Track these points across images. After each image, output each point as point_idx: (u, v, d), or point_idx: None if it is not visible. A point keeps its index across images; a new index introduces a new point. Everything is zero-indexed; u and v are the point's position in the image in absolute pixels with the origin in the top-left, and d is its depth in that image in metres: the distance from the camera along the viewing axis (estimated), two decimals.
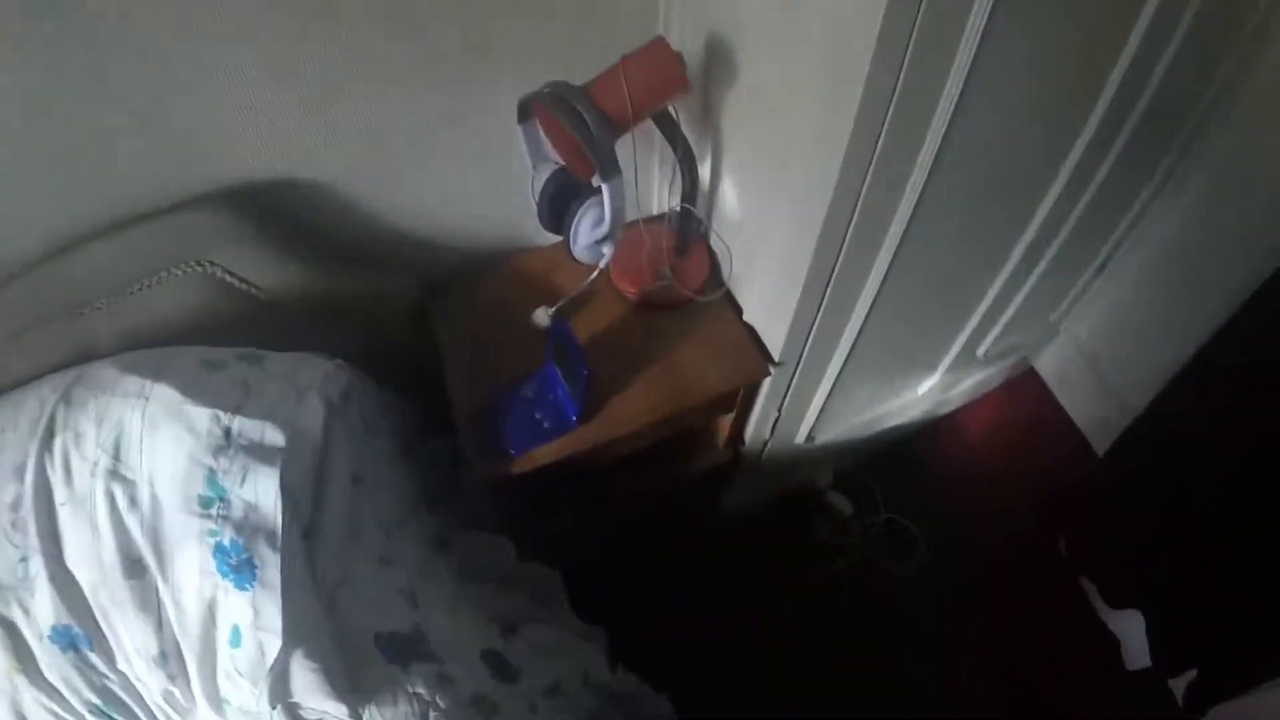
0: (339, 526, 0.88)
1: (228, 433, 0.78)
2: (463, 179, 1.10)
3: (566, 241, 0.99)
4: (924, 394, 1.50)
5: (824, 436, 1.37)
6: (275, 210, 1.00)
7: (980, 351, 1.49)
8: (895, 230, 0.96)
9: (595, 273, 1.04)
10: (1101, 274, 1.49)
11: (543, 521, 1.23)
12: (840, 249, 0.94)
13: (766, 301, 1.08)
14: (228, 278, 0.94)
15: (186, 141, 0.89)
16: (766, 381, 1.13)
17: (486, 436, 1.00)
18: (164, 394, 0.78)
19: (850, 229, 0.91)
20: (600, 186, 0.89)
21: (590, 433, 1.01)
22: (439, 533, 1.12)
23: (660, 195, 1.26)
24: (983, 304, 1.33)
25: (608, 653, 1.19)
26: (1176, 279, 1.41)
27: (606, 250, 1.00)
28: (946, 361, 1.44)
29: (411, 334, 1.19)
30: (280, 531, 0.76)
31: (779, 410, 1.21)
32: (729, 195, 1.09)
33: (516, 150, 0.97)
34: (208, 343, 0.91)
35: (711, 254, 1.19)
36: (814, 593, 1.50)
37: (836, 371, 1.19)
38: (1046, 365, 1.73)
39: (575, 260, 1.01)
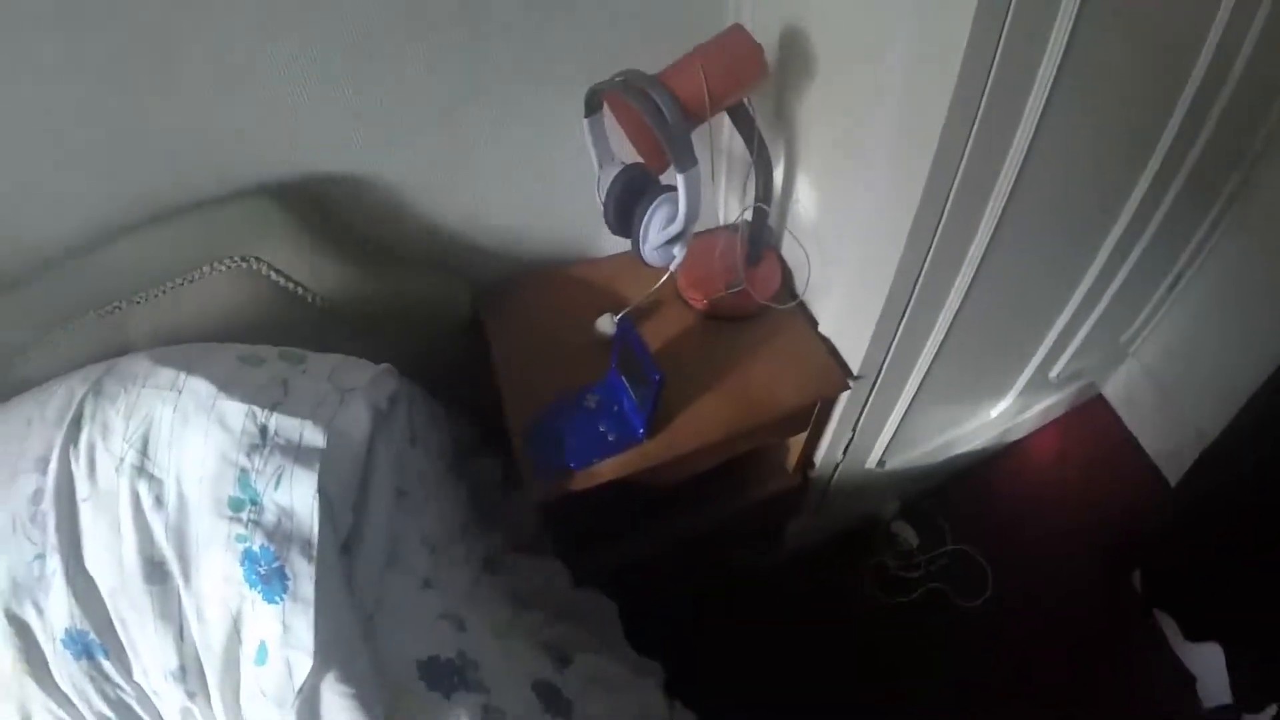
0: (380, 542, 0.79)
1: (264, 431, 0.70)
2: (523, 182, 1.03)
3: (635, 242, 0.91)
4: (995, 418, 1.39)
5: (894, 462, 1.27)
6: (324, 208, 0.93)
7: (1053, 374, 1.39)
8: (981, 238, 0.88)
9: (665, 275, 0.95)
10: (1171, 295, 1.39)
11: (599, 547, 1.12)
12: (926, 255, 0.86)
13: (845, 312, 0.99)
14: (271, 274, 0.87)
15: (237, 136, 0.83)
16: (843, 398, 1.03)
17: (544, 450, 0.90)
18: (198, 387, 0.71)
19: (937, 234, 0.83)
20: (676, 179, 0.82)
21: (657, 448, 0.91)
22: (488, 555, 1.02)
23: (726, 204, 1.18)
24: (1060, 322, 1.24)
25: (665, 689, 1.08)
26: (1248, 302, 1.32)
27: (678, 251, 0.92)
28: (1020, 383, 1.34)
29: (463, 345, 1.11)
30: (316, 541, 0.68)
31: (853, 431, 1.11)
32: (805, 198, 1.00)
33: (583, 147, 0.90)
34: (249, 342, 0.83)
35: (783, 262, 1.10)
36: (879, 628, 1.37)
37: (914, 389, 1.09)
38: (1115, 391, 1.61)
39: (644, 264, 0.93)
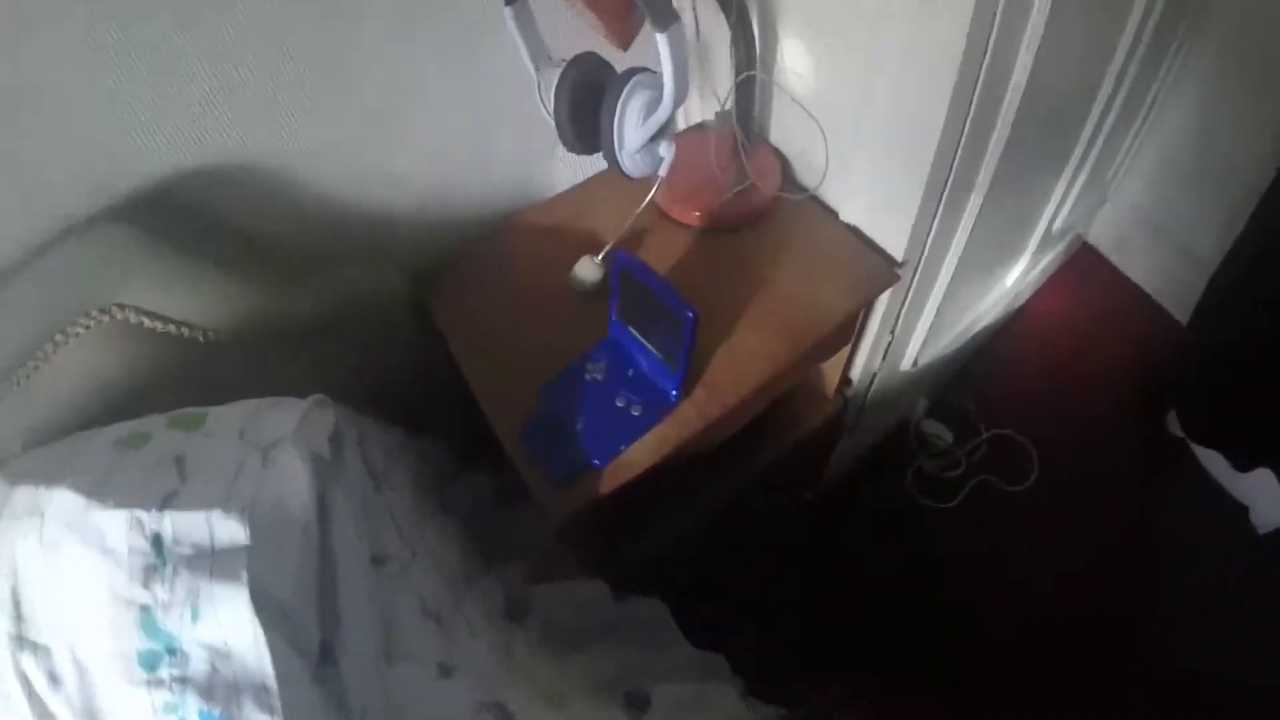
0: (368, 637, 0.56)
1: (157, 542, 0.46)
2: (437, 129, 0.76)
3: (608, 151, 0.66)
4: (1010, 285, 1.23)
5: (926, 357, 1.09)
6: (195, 220, 0.66)
7: (1055, 227, 1.23)
8: (1017, 81, 0.69)
9: (655, 188, 0.71)
10: (1144, 127, 1.26)
11: (629, 545, 0.91)
12: (969, 110, 0.67)
13: (876, 192, 0.77)
14: (144, 321, 0.60)
15: (56, 147, 0.56)
16: (885, 295, 0.83)
17: (551, 453, 0.66)
18: (62, 502, 0.47)
19: (979, 84, 0.65)
20: (658, 44, 0.57)
21: (696, 410, 0.68)
22: (509, 598, 0.80)
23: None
24: (1066, 172, 1.08)
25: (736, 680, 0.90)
26: (1224, 117, 1.20)
27: (666, 151, 0.68)
28: (1034, 243, 1.17)
29: (412, 347, 0.84)
30: (274, 683, 0.45)
31: (893, 330, 0.92)
32: (800, 66, 0.77)
33: (500, 63, 0.66)
34: (140, 413, 0.57)
35: (776, 151, 0.88)
36: (937, 536, 1.22)
37: (953, 267, 0.90)
38: (1102, 238, 1.48)
39: (624, 177, 0.69)
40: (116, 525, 0.45)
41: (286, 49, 0.62)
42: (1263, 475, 1.17)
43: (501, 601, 0.79)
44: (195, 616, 0.44)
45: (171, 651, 0.44)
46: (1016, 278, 1.22)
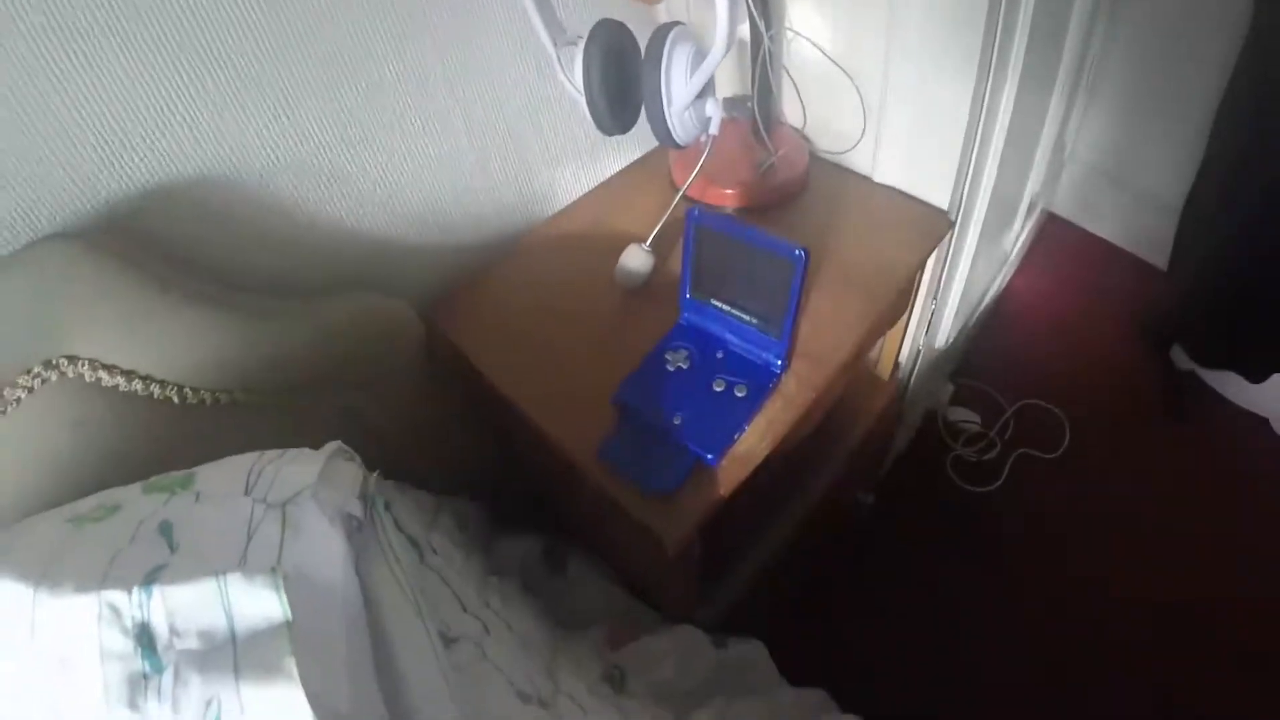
0: None
1: (145, 636, 0.30)
2: (442, 137, 0.67)
3: (656, 116, 0.59)
4: (1009, 251, 1.22)
5: (954, 332, 1.04)
6: (160, 245, 0.53)
7: (1032, 196, 1.24)
8: (1019, 43, 0.69)
9: (708, 149, 0.64)
10: (1088, 83, 1.31)
11: (738, 568, 0.77)
12: (991, 63, 0.65)
13: (913, 149, 0.73)
14: (105, 377, 0.46)
15: None
16: (930, 261, 0.77)
17: (646, 466, 0.54)
18: (2, 597, 0.30)
19: (998, 35, 0.63)
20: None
21: (799, 381, 0.59)
22: (604, 666, 0.65)
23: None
24: (1046, 133, 1.09)
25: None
26: (1162, 60, 1.25)
27: (714, 109, 0.61)
28: (1024, 206, 1.17)
29: (423, 398, 0.72)
30: None
31: (936, 295, 0.86)
32: (813, 30, 0.73)
33: (507, 69, 0.58)
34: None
35: (794, 129, 0.83)
36: (989, 519, 1.13)
37: (980, 225, 0.86)
38: (1066, 205, 1.51)
39: (674, 145, 0.60)
40: (79, 618, 0.30)
41: (271, 53, 0.52)
42: (1278, 383, 1.17)
43: (598, 671, 0.64)
44: None
45: None
46: (1012, 243, 1.21)
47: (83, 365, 0.45)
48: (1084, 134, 1.38)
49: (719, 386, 0.57)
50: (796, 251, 0.50)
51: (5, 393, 0.43)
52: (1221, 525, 1.10)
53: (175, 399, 0.49)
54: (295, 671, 0.29)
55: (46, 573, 0.31)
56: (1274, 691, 0.93)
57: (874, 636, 1.01)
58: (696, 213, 0.55)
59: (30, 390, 0.44)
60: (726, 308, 0.58)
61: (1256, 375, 1.18)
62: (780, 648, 0.77)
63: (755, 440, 0.55)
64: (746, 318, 0.57)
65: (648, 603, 0.75)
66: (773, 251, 0.51)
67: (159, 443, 0.48)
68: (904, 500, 1.14)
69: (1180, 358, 1.26)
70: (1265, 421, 1.21)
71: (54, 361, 0.44)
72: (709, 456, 0.53)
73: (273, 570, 0.32)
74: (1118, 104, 1.33)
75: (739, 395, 0.56)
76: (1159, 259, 1.35)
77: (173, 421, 0.48)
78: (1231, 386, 1.23)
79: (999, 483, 1.16)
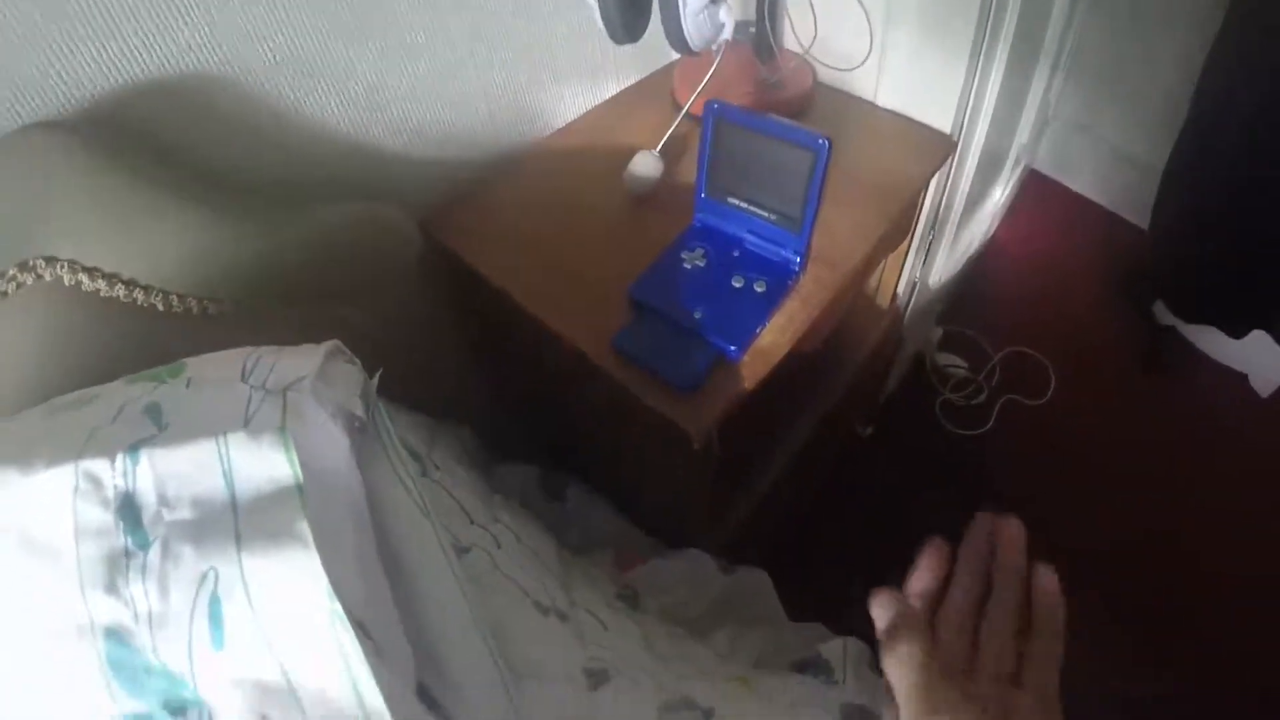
0: (477, 656, 0.38)
1: (129, 507, 0.26)
2: (437, 43, 0.64)
3: (669, 20, 0.58)
4: (997, 199, 1.24)
5: (946, 272, 1.05)
6: (146, 140, 0.50)
7: (1019, 150, 1.26)
8: None
9: (717, 58, 0.63)
10: (1070, 43, 1.34)
11: (735, 495, 0.77)
12: None
13: (916, 70, 0.73)
14: (85, 280, 0.42)
15: None
16: (931, 185, 0.77)
17: (666, 358, 0.53)
18: None
19: None
20: None
21: (816, 281, 0.58)
22: (617, 586, 0.64)
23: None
24: (1034, 88, 1.11)
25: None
26: (1141, 20, 1.27)
27: (727, 15, 0.60)
28: (1012, 156, 1.19)
29: (420, 312, 0.70)
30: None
31: (933, 227, 0.87)
32: None
33: None
34: None
35: (794, 53, 0.82)
36: (981, 462, 1.16)
37: (976, 159, 0.87)
38: (1049, 162, 1.53)
39: (688, 50, 0.59)
40: (52, 493, 0.25)
41: None
42: (1258, 339, 1.20)
43: (612, 589, 0.63)
44: (218, 625, 0.24)
45: (178, 710, 0.24)
46: (999, 194, 1.23)
47: (62, 268, 0.41)
48: (1066, 93, 1.41)
49: (738, 283, 0.56)
50: (820, 140, 0.49)
51: None
52: (1197, 474, 1.13)
53: (160, 306, 0.45)
54: (309, 535, 0.25)
55: (16, 457, 0.27)
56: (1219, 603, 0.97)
57: (862, 574, 1.02)
58: (716, 105, 0.54)
59: (4, 294, 0.40)
60: (744, 205, 0.57)
61: (1236, 331, 1.21)
62: (777, 581, 0.77)
63: (776, 335, 0.55)
64: (765, 214, 0.56)
65: (653, 529, 0.74)
66: (794, 142, 0.51)
67: (142, 351, 0.42)
68: (894, 441, 1.16)
69: (1162, 312, 1.29)
70: (1244, 377, 1.25)
71: (30, 263, 0.40)
72: (732, 348, 0.53)
73: (280, 430, 0.28)
74: (1098, 64, 1.36)
75: (758, 290, 0.55)
76: (1136, 216, 1.38)
77: (157, 331, 0.45)
78: (1212, 342, 1.26)
79: (987, 427, 1.18)
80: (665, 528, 0.72)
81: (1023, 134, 1.18)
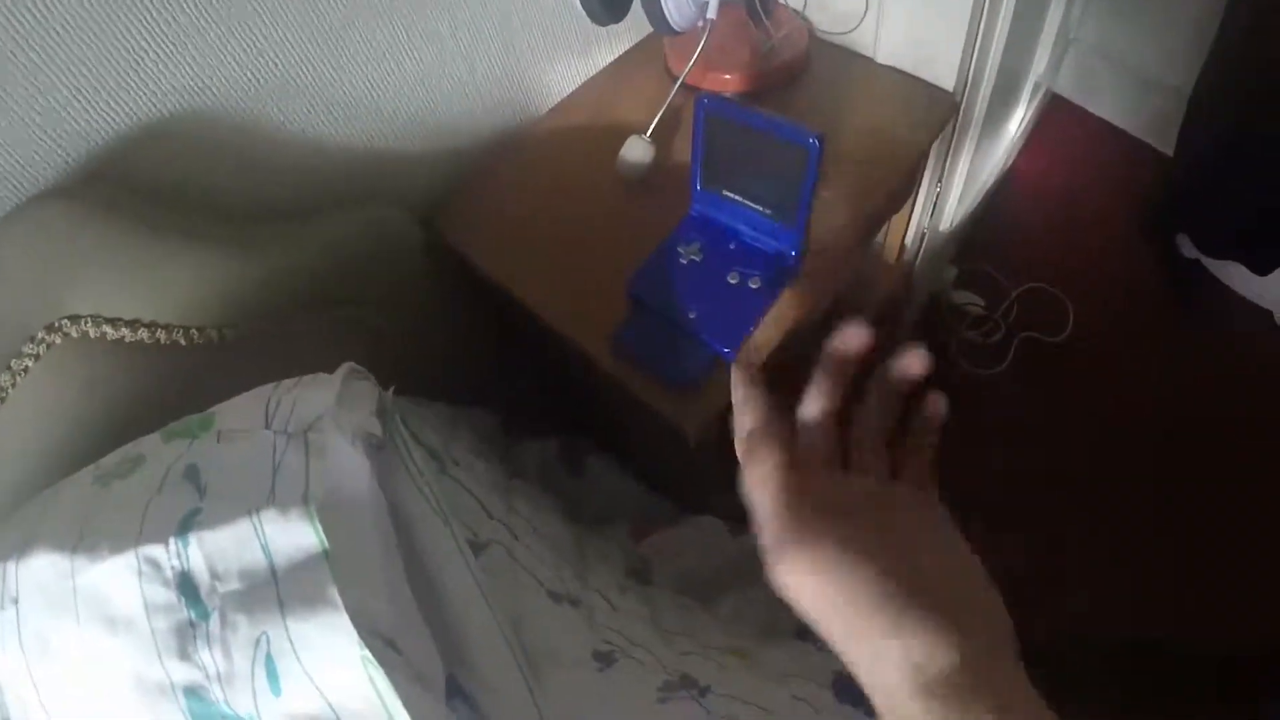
0: (496, 648, 0.42)
1: (187, 584, 0.31)
2: (418, 42, 0.64)
3: (652, 3, 0.57)
4: (1013, 132, 1.20)
5: (959, 215, 1.04)
6: (146, 185, 0.52)
7: (1037, 78, 1.21)
8: None
9: (705, 36, 0.62)
10: None
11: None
12: None
13: (917, 26, 0.70)
14: (109, 331, 0.46)
15: None
16: (935, 142, 0.76)
17: (663, 357, 0.56)
18: (36, 577, 0.31)
19: None
20: None
21: (811, 269, 0.60)
22: (629, 560, 0.68)
23: None
24: (1051, 15, 1.05)
25: None
26: None
27: None
28: (1029, 85, 1.15)
29: (429, 306, 0.72)
30: None
31: (940, 178, 0.86)
32: None
33: None
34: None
35: (790, 9, 0.80)
36: (998, 401, 1.17)
37: (985, 105, 0.84)
38: (1069, 85, 1.46)
39: (671, 31, 0.59)
40: (120, 578, 0.30)
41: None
42: None
43: (623, 564, 0.68)
44: (274, 678, 0.30)
45: None
46: (1016, 125, 1.19)
47: (85, 323, 0.45)
48: (1088, 15, 1.33)
49: (733, 279, 0.57)
50: (811, 139, 0.49)
51: (13, 364, 0.43)
52: (1219, 412, 1.13)
53: (182, 341, 0.49)
54: (339, 599, 0.30)
55: (82, 537, 0.32)
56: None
57: None
58: (706, 100, 0.54)
59: (37, 357, 0.44)
60: (739, 198, 0.58)
61: (1262, 267, 1.18)
62: None
63: (769, 330, 0.57)
64: (759, 207, 0.57)
65: (666, 495, 0.78)
66: (786, 138, 0.51)
67: (173, 387, 0.48)
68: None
69: (1185, 246, 1.26)
70: (1269, 314, 1.22)
71: (56, 324, 0.44)
72: (726, 350, 0.55)
73: (305, 501, 0.32)
74: None
75: (753, 287, 0.57)
76: (1162, 142, 1.32)
77: (183, 364, 0.49)
78: (1236, 277, 1.23)
79: (1004, 365, 1.19)
80: (679, 493, 0.76)
81: (1040, 61, 1.13)
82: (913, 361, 0.33)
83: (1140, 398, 1.16)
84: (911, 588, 0.26)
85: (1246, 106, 1.06)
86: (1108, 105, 1.42)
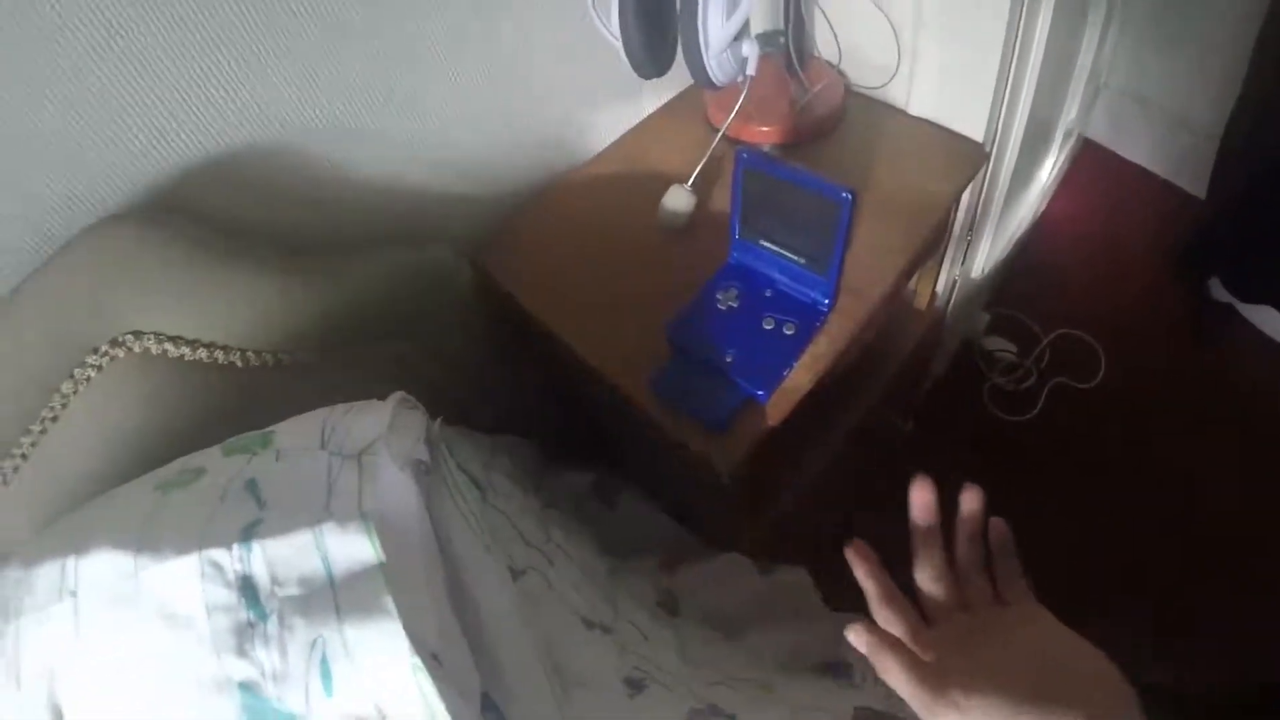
0: (531, 669, 0.44)
1: (248, 588, 0.33)
2: (473, 91, 0.68)
3: (692, 57, 0.61)
4: (1044, 180, 1.22)
5: (990, 262, 1.06)
6: (208, 215, 0.56)
7: (1068, 124, 1.23)
8: None
9: (745, 90, 0.65)
10: (1121, 15, 1.27)
11: (787, 493, 0.82)
12: None
13: (947, 81, 0.73)
14: (170, 348, 0.49)
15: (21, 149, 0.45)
16: (966, 193, 0.79)
17: (700, 399, 0.58)
18: (98, 571, 0.34)
19: None
20: None
21: (842, 315, 0.62)
22: (658, 592, 0.70)
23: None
24: (1081, 61, 1.07)
25: None
26: None
27: (750, 49, 0.62)
28: (1060, 133, 1.17)
29: (474, 341, 0.76)
30: None
31: (971, 227, 0.88)
32: None
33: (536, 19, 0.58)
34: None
35: (827, 62, 0.84)
36: (1027, 449, 1.17)
37: (1015, 156, 0.87)
38: (1100, 130, 1.49)
39: (710, 86, 0.62)
40: (183, 578, 0.32)
41: (305, 21, 0.54)
42: None
43: (653, 596, 0.70)
44: (328, 679, 0.32)
45: None
46: (1048, 172, 1.21)
47: (148, 339, 0.48)
48: (1118, 60, 1.35)
49: (768, 324, 0.60)
50: (844, 194, 0.52)
51: (76, 373, 0.46)
52: (1253, 458, 1.12)
53: (239, 363, 0.52)
54: (393, 608, 0.33)
55: (143, 539, 0.34)
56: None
57: (904, 564, 1.06)
58: (745, 155, 0.57)
59: (99, 368, 0.47)
60: (775, 248, 0.60)
61: None
62: (820, 575, 0.82)
63: (802, 375, 0.59)
64: (794, 257, 0.60)
65: (696, 531, 0.80)
66: (820, 193, 0.54)
67: (228, 405, 0.51)
68: (940, 428, 1.18)
69: (1217, 289, 1.26)
70: None
71: (120, 339, 0.47)
72: (760, 394, 0.57)
73: (363, 516, 0.35)
74: (1150, 28, 1.29)
75: (788, 333, 0.59)
76: (1194, 185, 1.33)
77: (238, 384, 0.52)
78: (1269, 321, 1.23)
79: (1034, 412, 1.19)
80: (709, 529, 0.78)
81: (1072, 107, 1.15)
82: (972, 500, 0.44)
83: (1171, 442, 1.15)
84: (1044, 693, 0.32)
85: (1278, 148, 1.07)
86: (1139, 149, 1.43)
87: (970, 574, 0.43)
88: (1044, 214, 1.42)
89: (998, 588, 0.42)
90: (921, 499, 0.45)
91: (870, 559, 0.44)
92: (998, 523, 0.44)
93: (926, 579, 0.43)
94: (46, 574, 0.34)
